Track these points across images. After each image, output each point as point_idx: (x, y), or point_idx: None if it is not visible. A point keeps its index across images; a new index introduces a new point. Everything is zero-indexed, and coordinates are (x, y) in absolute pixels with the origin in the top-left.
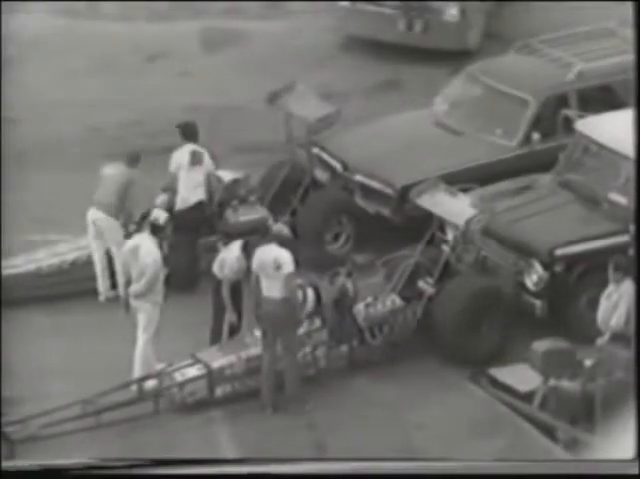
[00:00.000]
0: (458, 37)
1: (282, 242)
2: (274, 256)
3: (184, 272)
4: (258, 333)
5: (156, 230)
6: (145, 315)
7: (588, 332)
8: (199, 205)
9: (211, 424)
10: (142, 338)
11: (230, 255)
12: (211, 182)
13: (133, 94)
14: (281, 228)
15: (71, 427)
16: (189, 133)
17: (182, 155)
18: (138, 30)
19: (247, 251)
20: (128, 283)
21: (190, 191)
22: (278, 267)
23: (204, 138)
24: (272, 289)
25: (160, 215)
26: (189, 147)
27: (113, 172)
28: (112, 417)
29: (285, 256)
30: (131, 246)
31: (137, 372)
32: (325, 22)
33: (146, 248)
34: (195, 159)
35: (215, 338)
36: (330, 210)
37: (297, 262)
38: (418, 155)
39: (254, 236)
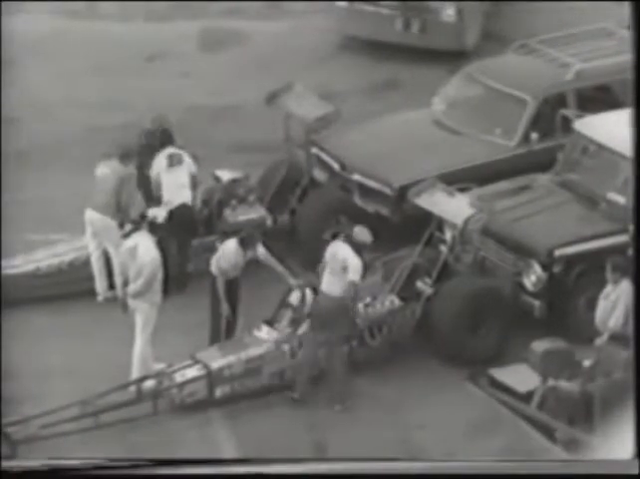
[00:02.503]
0: (455, 37)
1: (357, 248)
2: (344, 256)
3: (172, 275)
4: (258, 333)
5: (154, 228)
6: (143, 315)
7: (587, 332)
8: (182, 207)
9: (210, 424)
10: (140, 338)
11: (226, 249)
12: (195, 183)
13: (132, 94)
14: (362, 233)
15: (70, 427)
16: (164, 139)
17: (160, 160)
18: (137, 30)
19: (244, 245)
20: (126, 283)
21: (173, 194)
22: (344, 269)
23: (204, 137)
24: (331, 285)
25: (158, 213)
26: (166, 151)
27: (107, 171)
28: (111, 417)
29: (355, 263)
30: (129, 246)
31: (135, 372)
32: (324, 22)
33: (144, 247)
34: (173, 161)
35: (214, 338)
36: (328, 210)
37: (366, 270)
38: (416, 155)
39: (251, 230)
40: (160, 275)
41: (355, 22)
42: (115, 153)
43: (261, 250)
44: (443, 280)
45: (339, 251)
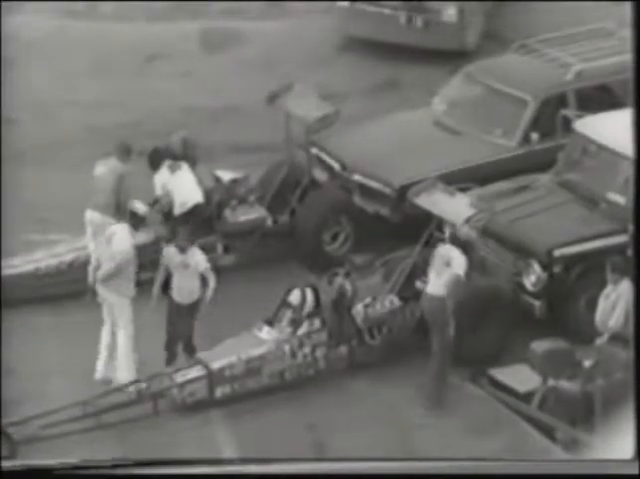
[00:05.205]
0: (456, 37)
1: (464, 247)
2: (447, 253)
3: None
4: (258, 333)
5: (134, 220)
6: (117, 309)
7: (587, 332)
8: (197, 208)
9: (211, 424)
10: (122, 336)
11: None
12: (200, 182)
13: (133, 94)
14: (468, 233)
15: (71, 428)
16: (159, 159)
17: (162, 173)
18: (137, 30)
19: (181, 249)
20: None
21: (186, 197)
22: (447, 263)
23: (204, 138)
24: (435, 286)
25: (139, 207)
26: (165, 164)
27: (105, 170)
28: (112, 418)
29: (458, 257)
30: (107, 234)
31: (122, 372)
32: (325, 22)
33: (120, 236)
34: (174, 168)
35: (171, 357)
36: (329, 210)
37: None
38: (416, 155)
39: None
40: (132, 268)
41: (356, 22)
42: (113, 151)
43: (201, 261)
44: None
45: (442, 250)
